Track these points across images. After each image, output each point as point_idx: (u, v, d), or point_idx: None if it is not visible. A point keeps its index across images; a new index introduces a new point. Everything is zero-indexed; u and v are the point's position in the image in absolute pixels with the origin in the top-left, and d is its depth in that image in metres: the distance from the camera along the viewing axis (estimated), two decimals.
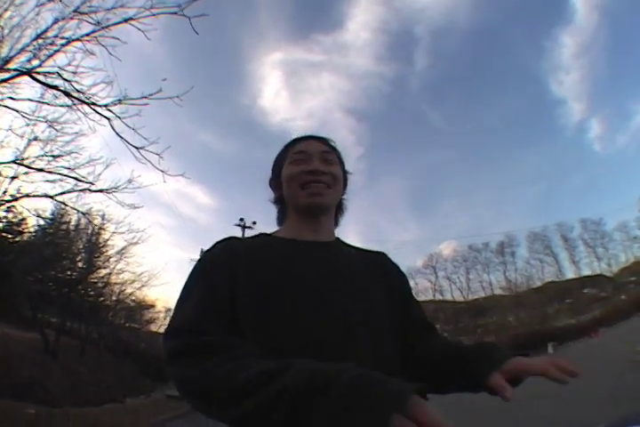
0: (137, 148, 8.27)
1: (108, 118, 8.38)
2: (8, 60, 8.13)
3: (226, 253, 1.00)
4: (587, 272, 50.57)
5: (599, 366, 12.55)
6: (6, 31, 8.40)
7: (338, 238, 1.19)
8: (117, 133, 8.39)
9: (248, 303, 0.90)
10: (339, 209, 1.21)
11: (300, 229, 1.10)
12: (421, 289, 52.72)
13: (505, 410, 8.45)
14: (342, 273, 1.03)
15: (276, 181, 1.18)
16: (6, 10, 8.36)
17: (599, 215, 51.09)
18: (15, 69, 8.09)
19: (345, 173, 1.20)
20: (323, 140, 1.18)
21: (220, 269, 0.96)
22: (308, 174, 1.07)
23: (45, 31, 8.18)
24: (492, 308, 49.16)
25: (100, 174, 9.93)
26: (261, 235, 1.16)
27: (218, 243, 1.06)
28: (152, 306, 40.84)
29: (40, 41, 8.18)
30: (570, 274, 50.76)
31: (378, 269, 1.13)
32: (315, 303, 0.92)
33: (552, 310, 44.93)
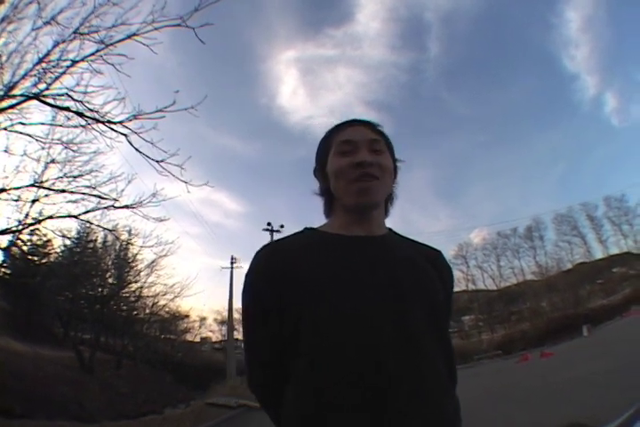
0: (157, 161, 8.26)
1: (124, 135, 8.35)
2: (12, 86, 8.22)
3: (264, 267, 0.98)
4: (614, 251, 49.27)
5: (633, 347, 12.27)
6: (4, 58, 8.48)
7: (390, 230, 1.13)
8: (136, 149, 8.36)
9: (304, 315, 0.89)
10: (388, 199, 1.15)
11: (349, 224, 1.05)
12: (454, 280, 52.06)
13: (538, 394, 8.39)
14: (399, 268, 0.97)
15: (321, 172, 1.13)
16: None
17: (621, 191, 49.32)
18: (21, 95, 8.18)
19: (395, 160, 1.13)
20: (370, 126, 1.12)
21: (263, 291, 0.95)
22: (356, 167, 1.01)
23: (47, 55, 8.24)
24: (524, 294, 48.42)
25: (122, 190, 9.88)
26: (306, 230, 1.11)
27: (257, 253, 1.02)
28: (186, 316, 41.12)
29: (43, 65, 8.23)
30: (598, 254, 49.74)
31: (434, 267, 1.06)
32: (372, 302, 0.89)
33: (584, 291, 43.98)
